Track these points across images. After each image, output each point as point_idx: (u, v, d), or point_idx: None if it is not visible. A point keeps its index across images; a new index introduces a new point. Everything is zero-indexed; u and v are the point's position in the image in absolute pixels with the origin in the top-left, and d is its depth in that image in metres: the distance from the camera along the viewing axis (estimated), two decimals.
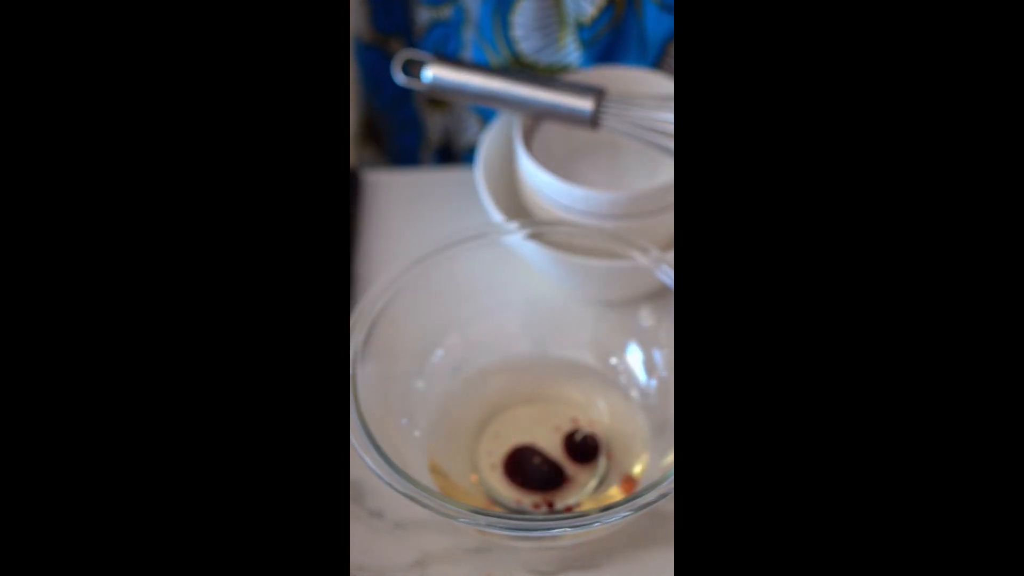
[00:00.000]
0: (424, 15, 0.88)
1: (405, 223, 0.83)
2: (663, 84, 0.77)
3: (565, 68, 0.83)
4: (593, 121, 0.74)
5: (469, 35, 0.86)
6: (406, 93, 0.92)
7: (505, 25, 0.81)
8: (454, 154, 0.95)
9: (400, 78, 0.80)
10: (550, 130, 0.79)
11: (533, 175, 0.73)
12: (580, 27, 0.79)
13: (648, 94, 0.77)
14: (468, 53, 0.86)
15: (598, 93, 0.75)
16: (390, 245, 0.81)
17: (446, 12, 0.88)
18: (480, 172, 0.78)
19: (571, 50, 0.81)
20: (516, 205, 0.77)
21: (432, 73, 0.77)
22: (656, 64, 0.80)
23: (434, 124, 0.94)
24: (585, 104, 0.75)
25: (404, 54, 0.80)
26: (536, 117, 0.78)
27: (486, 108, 0.87)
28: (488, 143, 0.81)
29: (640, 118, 0.74)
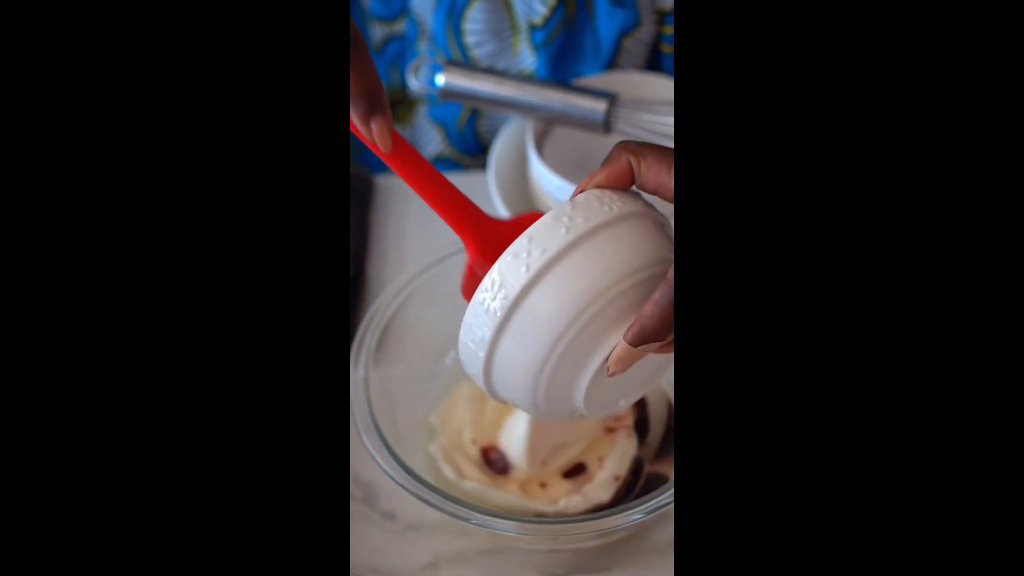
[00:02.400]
0: (378, 32, 0.88)
1: (418, 227, 0.83)
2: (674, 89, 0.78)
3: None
4: (605, 125, 0.75)
5: (423, 47, 0.86)
6: None
7: (458, 32, 0.82)
8: None
9: (414, 83, 0.81)
10: (562, 135, 0.79)
11: (545, 179, 0.74)
12: (533, 29, 0.79)
13: (659, 99, 0.78)
14: (424, 68, 0.86)
15: (610, 98, 0.76)
16: (403, 249, 0.82)
17: (400, 27, 0.88)
18: (492, 176, 0.79)
19: (525, 55, 0.82)
20: (528, 209, 0.77)
21: (445, 78, 0.77)
22: (610, 61, 0.81)
23: None
24: (597, 108, 0.75)
25: (417, 60, 0.81)
26: (548, 122, 0.78)
27: (447, 119, 0.88)
28: (501, 148, 0.81)
29: (651, 122, 0.74)
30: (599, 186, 0.49)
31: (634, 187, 0.50)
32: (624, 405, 0.53)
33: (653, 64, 0.82)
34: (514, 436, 0.66)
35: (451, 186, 0.52)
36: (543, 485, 0.66)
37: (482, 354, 0.49)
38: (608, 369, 0.48)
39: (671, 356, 0.52)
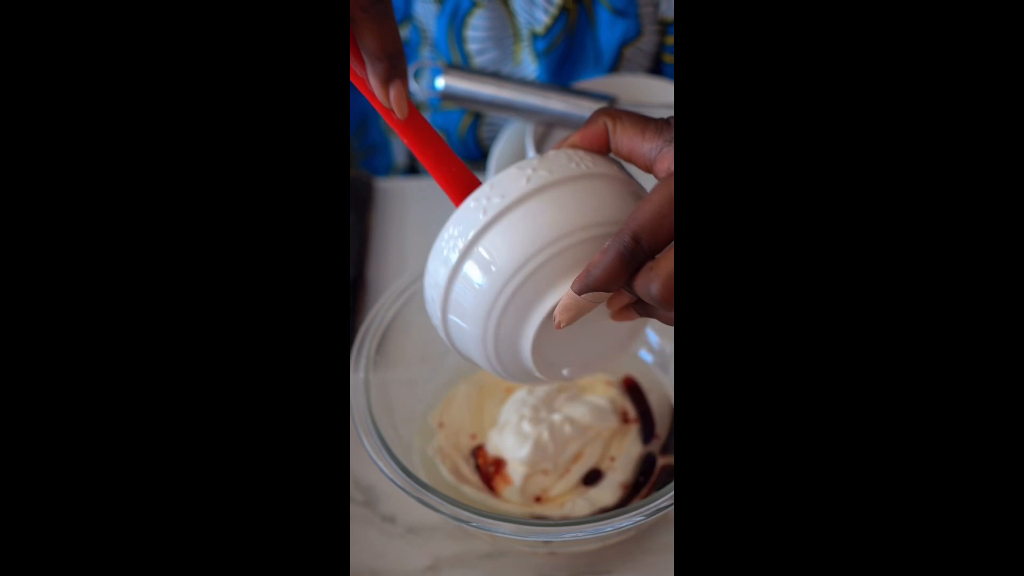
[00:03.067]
0: None
1: (418, 229, 0.83)
2: (673, 92, 0.78)
3: None
4: None
5: (426, 53, 0.86)
6: (370, 118, 0.93)
7: (460, 39, 0.82)
8: (420, 171, 0.96)
9: (414, 86, 0.81)
10: (562, 137, 0.79)
11: None
12: (535, 37, 0.79)
13: (658, 102, 0.78)
14: (425, 72, 0.86)
15: (610, 100, 0.76)
16: (403, 252, 0.82)
17: (402, 33, 0.88)
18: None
19: (527, 63, 0.82)
20: None
21: (445, 81, 0.77)
22: (611, 70, 0.81)
23: (398, 145, 0.95)
24: None
25: (417, 63, 0.81)
26: (548, 125, 0.78)
27: (448, 126, 0.88)
28: (500, 150, 0.81)
29: None
30: (573, 146, 0.49)
31: (612, 155, 0.50)
32: (569, 375, 0.52)
33: (655, 74, 0.82)
34: (517, 454, 0.66)
35: (461, 164, 0.52)
36: (538, 499, 0.66)
37: (438, 301, 0.49)
38: (556, 318, 0.47)
39: (629, 336, 0.52)
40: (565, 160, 0.48)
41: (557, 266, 0.47)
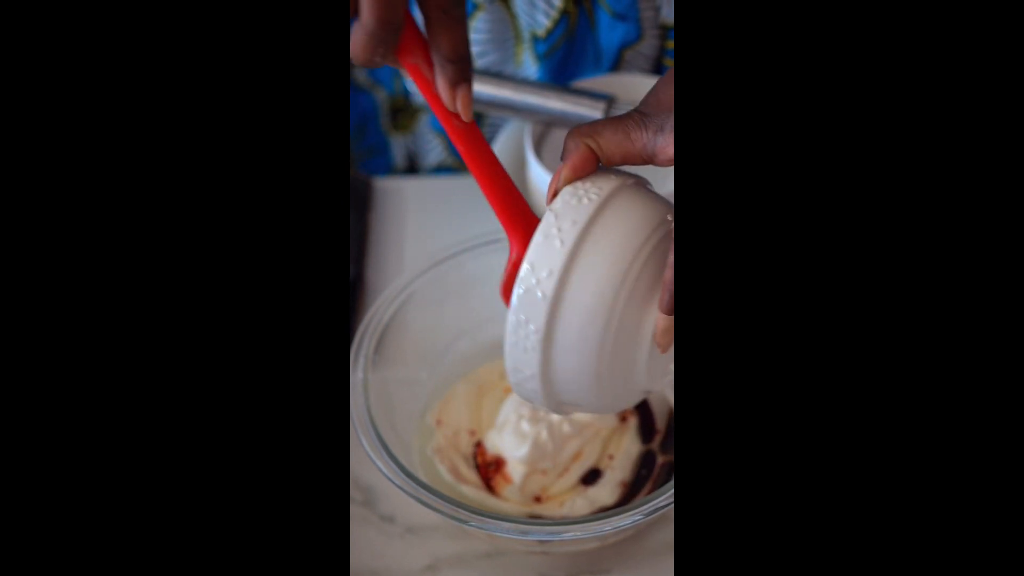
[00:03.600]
0: None
1: (416, 229, 0.83)
2: None
3: None
4: None
5: None
6: (369, 120, 0.93)
7: None
8: (419, 172, 0.96)
9: (412, 87, 0.81)
10: (560, 136, 0.79)
11: (543, 181, 0.74)
12: (535, 40, 0.79)
13: None
14: None
15: (608, 100, 0.76)
16: (401, 251, 0.82)
17: None
18: None
19: (528, 64, 0.82)
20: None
21: None
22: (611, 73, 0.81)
23: (398, 146, 0.95)
24: (595, 111, 0.75)
25: None
26: (547, 124, 0.78)
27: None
28: (499, 150, 0.81)
29: None
30: (567, 181, 0.49)
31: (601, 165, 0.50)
32: (668, 380, 0.53)
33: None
34: (516, 453, 0.66)
35: (509, 180, 0.52)
36: (538, 499, 0.66)
37: (537, 385, 0.50)
38: (659, 345, 0.48)
39: None
40: (575, 202, 0.48)
41: (637, 300, 0.47)
